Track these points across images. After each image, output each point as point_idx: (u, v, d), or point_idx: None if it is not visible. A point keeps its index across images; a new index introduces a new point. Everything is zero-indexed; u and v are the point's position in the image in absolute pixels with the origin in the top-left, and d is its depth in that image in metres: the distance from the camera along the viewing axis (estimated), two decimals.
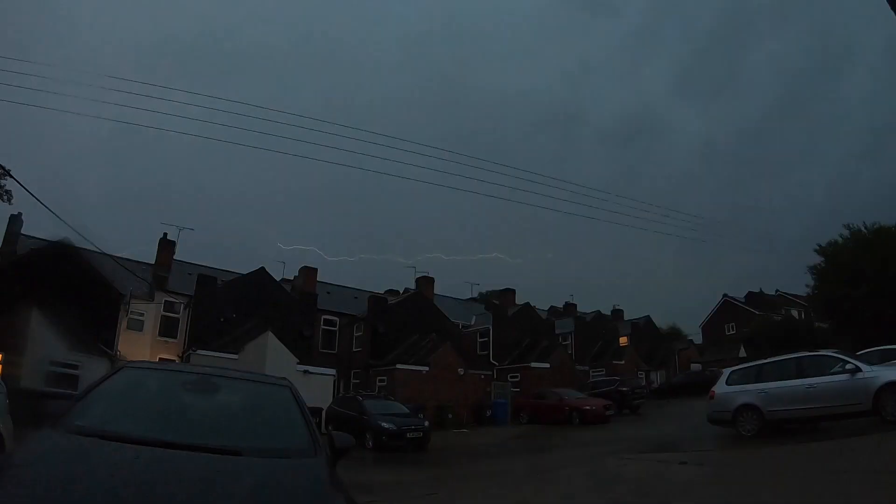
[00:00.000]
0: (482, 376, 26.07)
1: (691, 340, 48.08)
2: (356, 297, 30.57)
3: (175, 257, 26.80)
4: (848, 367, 9.65)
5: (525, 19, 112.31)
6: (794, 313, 44.30)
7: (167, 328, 23.76)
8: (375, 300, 27.56)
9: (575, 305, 40.90)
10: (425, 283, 31.03)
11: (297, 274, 29.31)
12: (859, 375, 9.39)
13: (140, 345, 22.27)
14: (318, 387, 19.67)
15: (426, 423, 16.02)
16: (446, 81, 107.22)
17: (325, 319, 27.65)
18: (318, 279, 29.14)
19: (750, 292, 51.10)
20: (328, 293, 29.58)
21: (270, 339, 20.65)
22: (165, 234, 26.78)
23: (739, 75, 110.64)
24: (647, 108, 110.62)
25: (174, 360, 20.54)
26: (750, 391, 10.63)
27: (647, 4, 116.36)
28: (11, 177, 13.97)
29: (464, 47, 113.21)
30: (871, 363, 9.99)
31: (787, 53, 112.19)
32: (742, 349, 37.30)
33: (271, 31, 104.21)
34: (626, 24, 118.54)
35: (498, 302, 35.40)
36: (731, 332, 46.31)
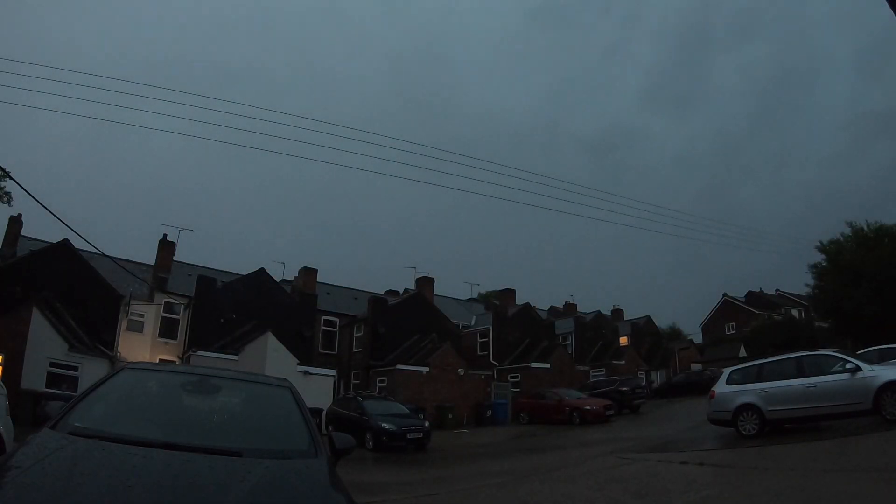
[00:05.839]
0: (482, 376, 26.05)
1: (691, 340, 48.05)
2: (356, 298, 30.59)
3: (175, 258, 26.81)
4: (848, 366, 9.65)
5: (501, 42, 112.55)
6: (795, 313, 44.38)
7: (167, 329, 23.77)
8: (375, 301, 27.52)
9: (575, 305, 40.87)
10: (425, 283, 31.00)
11: (297, 274, 29.35)
12: (859, 375, 9.39)
13: (140, 346, 22.29)
14: (318, 387, 19.68)
15: (426, 424, 16.03)
16: (430, 102, 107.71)
17: (325, 320, 27.67)
18: (317, 280, 29.18)
19: (750, 292, 51.13)
20: (328, 294, 29.59)
21: (270, 340, 20.65)
22: (165, 235, 26.84)
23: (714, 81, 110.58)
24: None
25: (174, 362, 20.54)
26: (750, 391, 10.62)
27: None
28: (12, 178, 13.95)
29: (446, 69, 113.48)
30: (870, 362, 9.98)
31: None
32: (742, 349, 37.27)
33: (266, 52, 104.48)
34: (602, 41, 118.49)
35: (498, 302, 35.37)
36: (731, 332, 46.32)
